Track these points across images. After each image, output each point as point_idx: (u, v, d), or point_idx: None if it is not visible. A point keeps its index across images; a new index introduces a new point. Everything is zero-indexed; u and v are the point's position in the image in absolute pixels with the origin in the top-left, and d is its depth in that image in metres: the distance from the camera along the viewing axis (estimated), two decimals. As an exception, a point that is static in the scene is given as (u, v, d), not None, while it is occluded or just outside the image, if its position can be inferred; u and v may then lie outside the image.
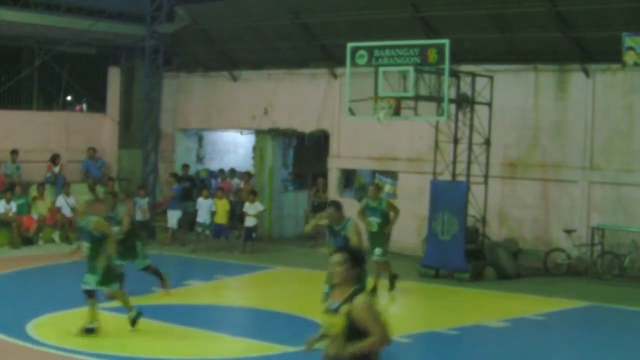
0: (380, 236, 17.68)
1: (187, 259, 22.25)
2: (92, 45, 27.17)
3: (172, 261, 21.99)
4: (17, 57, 26.77)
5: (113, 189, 23.88)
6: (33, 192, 24.24)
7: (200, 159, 28.34)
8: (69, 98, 28.76)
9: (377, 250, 17.45)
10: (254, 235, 23.06)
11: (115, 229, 15.46)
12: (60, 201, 24.16)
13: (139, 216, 23.96)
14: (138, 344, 13.09)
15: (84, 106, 29.04)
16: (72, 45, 26.02)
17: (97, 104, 28.13)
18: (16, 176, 24.74)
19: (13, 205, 23.42)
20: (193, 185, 25.85)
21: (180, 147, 28.06)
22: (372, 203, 17.80)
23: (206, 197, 23.32)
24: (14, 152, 24.95)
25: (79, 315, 14.03)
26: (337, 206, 14.01)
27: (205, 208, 23.21)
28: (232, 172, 26.66)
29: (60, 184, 24.86)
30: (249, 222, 22.98)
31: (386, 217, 17.78)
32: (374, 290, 16.57)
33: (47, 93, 27.68)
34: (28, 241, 23.31)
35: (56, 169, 25.50)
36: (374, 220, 17.63)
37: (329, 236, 14.08)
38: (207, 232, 23.26)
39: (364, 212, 17.76)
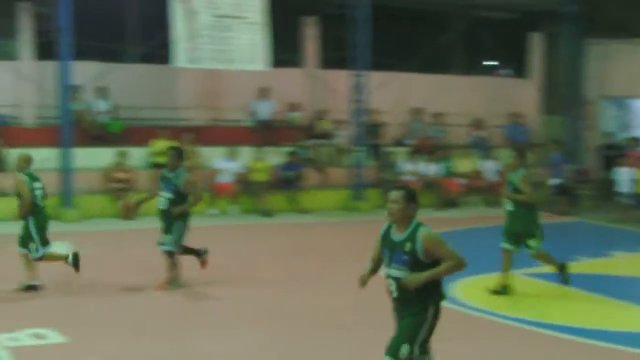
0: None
1: (611, 229, 21.83)
2: (512, 10, 27.34)
3: (594, 230, 21.81)
4: (439, 22, 27.57)
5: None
6: (456, 155, 24.96)
7: (624, 127, 27.55)
8: (490, 63, 29.20)
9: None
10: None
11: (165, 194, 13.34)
12: (484, 165, 24.71)
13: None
14: (557, 311, 13.07)
15: (505, 72, 29.35)
16: (493, 9, 26.35)
17: (519, 70, 28.30)
18: (440, 139, 25.61)
19: (438, 168, 24.31)
20: (618, 154, 25.19)
21: (603, 114, 27.47)
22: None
23: (626, 166, 22.76)
24: (438, 115, 25.83)
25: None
26: None
27: (625, 177, 22.67)
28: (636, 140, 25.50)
29: (484, 149, 25.38)
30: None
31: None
32: None
33: (468, 58, 28.28)
34: (452, 204, 24.06)
35: (480, 133, 26.05)
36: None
37: None
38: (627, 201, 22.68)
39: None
